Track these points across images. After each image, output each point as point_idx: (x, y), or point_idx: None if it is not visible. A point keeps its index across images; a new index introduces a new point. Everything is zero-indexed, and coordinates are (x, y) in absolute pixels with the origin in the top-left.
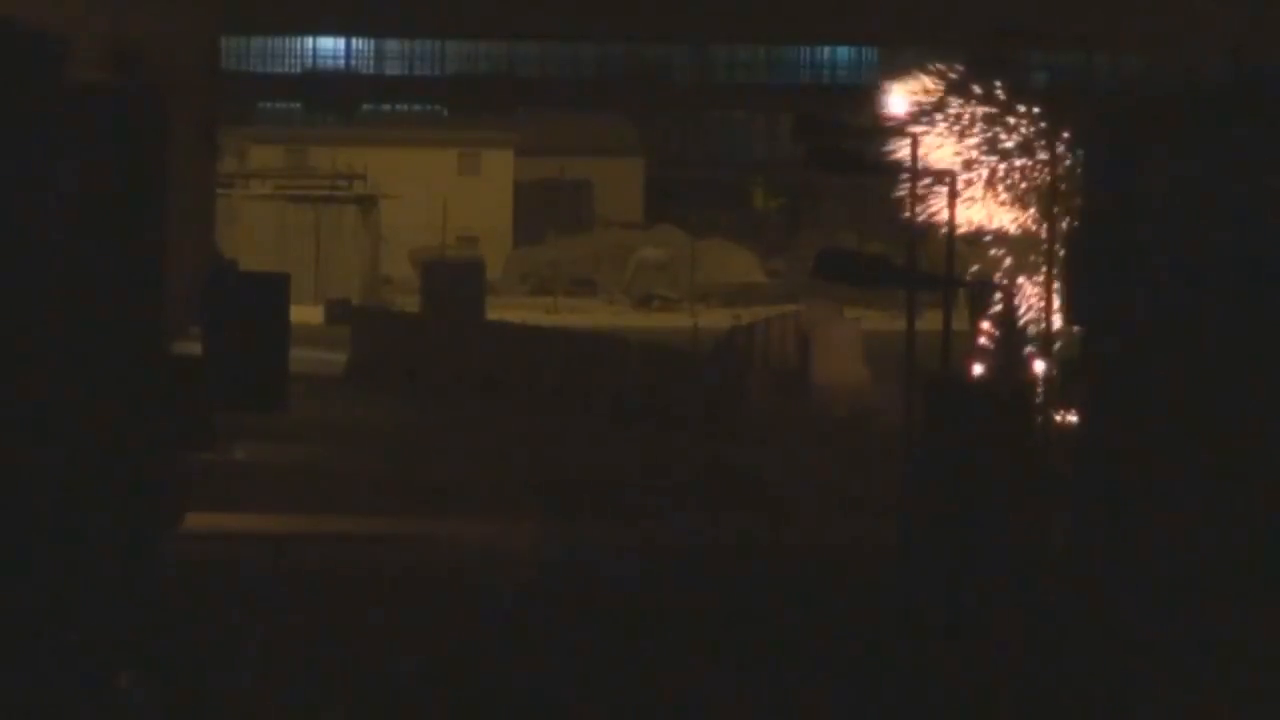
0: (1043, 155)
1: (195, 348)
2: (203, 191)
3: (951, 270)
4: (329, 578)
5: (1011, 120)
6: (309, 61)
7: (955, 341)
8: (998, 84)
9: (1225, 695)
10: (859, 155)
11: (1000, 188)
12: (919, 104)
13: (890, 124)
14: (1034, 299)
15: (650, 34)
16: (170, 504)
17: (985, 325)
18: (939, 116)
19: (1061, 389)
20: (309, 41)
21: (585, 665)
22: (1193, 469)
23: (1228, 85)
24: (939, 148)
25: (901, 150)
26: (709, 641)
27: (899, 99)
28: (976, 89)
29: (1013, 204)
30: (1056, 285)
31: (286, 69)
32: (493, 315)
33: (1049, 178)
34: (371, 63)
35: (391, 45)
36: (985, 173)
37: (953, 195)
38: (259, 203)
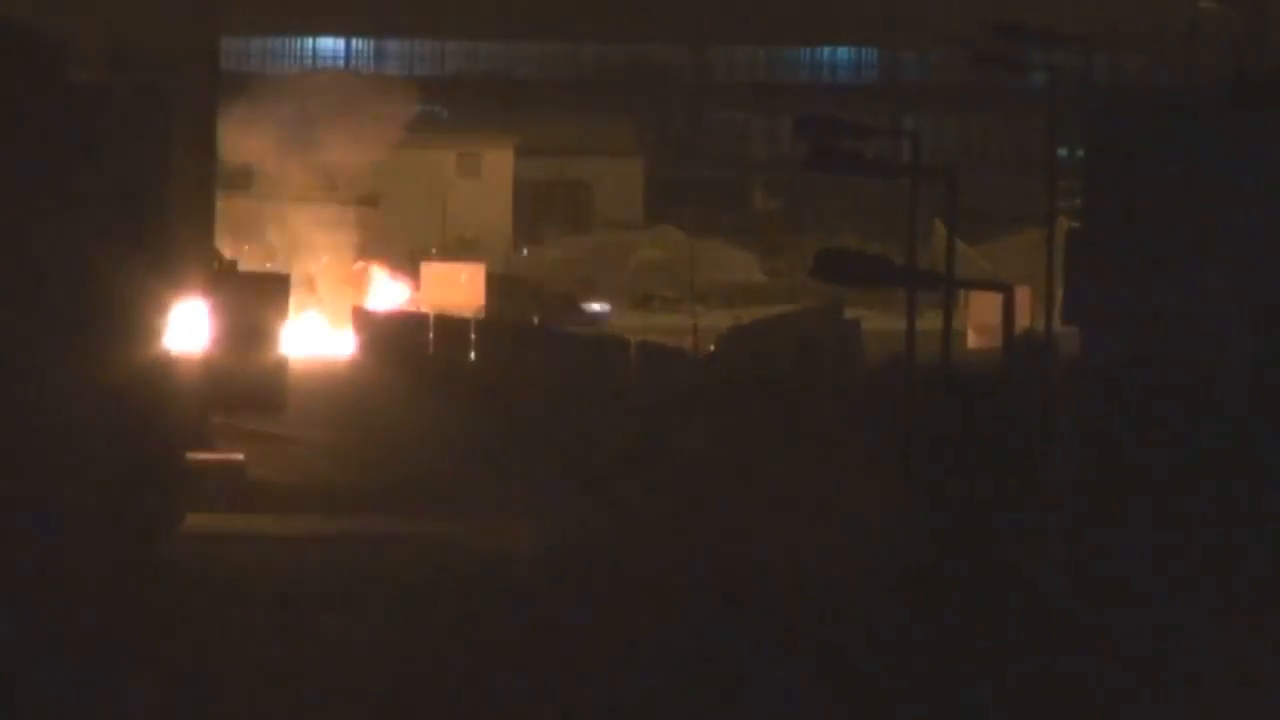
0: None
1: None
2: (202, 191)
3: (952, 270)
4: (329, 578)
5: None
6: (309, 61)
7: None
8: None
9: (1220, 697)
10: (858, 155)
11: None
12: None
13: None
14: None
15: (650, 34)
16: (170, 504)
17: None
18: None
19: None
20: (309, 41)
21: (581, 666)
22: (1186, 472)
23: (1228, 85)
24: None
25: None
26: (708, 642)
27: None
28: None
29: None
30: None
31: (286, 69)
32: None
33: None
34: (372, 63)
35: (391, 45)
36: None
37: (952, 193)
38: (259, 203)
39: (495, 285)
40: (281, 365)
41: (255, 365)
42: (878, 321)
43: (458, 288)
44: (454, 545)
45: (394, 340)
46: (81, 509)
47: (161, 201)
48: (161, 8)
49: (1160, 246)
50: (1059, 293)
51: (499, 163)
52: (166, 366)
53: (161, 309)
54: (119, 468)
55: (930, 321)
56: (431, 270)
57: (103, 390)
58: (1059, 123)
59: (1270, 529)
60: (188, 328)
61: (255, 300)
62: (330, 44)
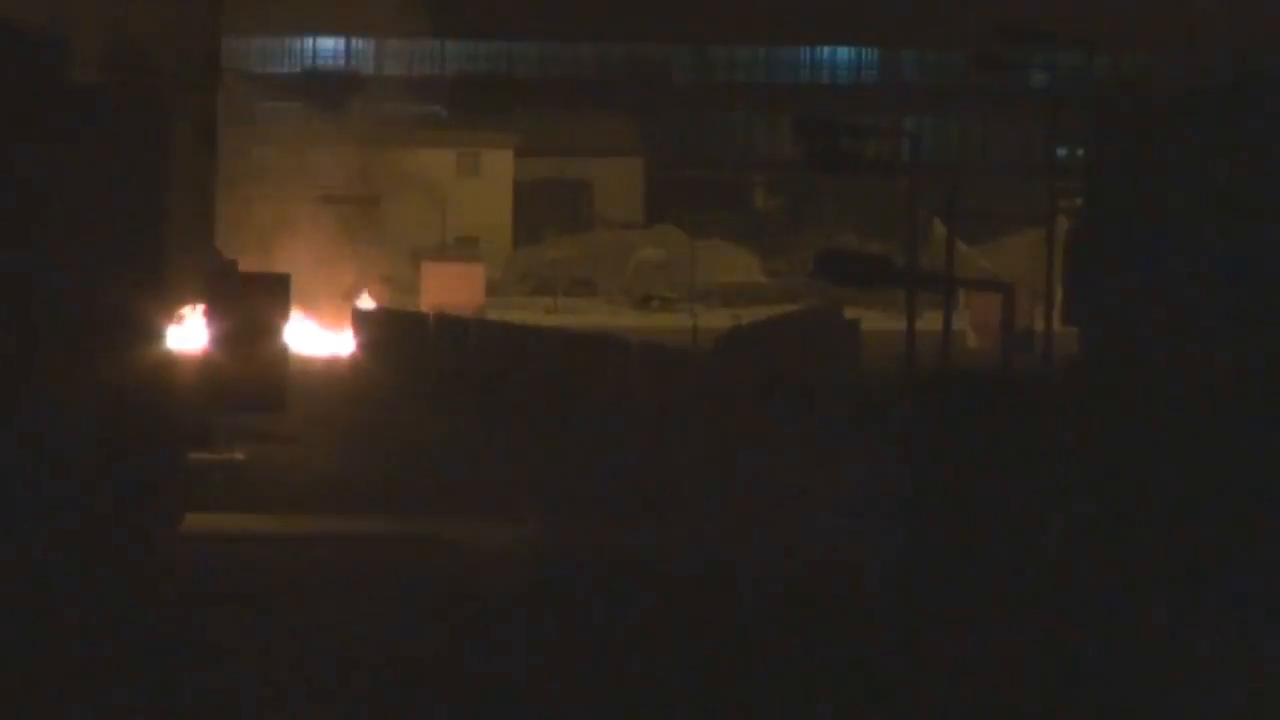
0: None
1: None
2: (202, 192)
3: (952, 270)
4: (328, 578)
5: None
6: (309, 61)
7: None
8: None
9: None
10: (858, 155)
11: None
12: None
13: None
14: None
15: (650, 34)
16: (170, 504)
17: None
18: None
19: None
20: (309, 41)
21: (579, 669)
22: (1184, 468)
23: (1228, 86)
24: None
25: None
26: (707, 643)
27: None
28: None
29: None
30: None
31: (286, 69)
32: (493, 315)
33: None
34: (372, 63)
35: (392, 45)
36: None
37: (952, 193)
38: (259, 203)
39: None
40: (282, 365)
41: (255, 365)
42: (878, 321)
43: (458, 287)
44: (454, 545)
45: (393, 340)
46: (82, 509)
47: (162, 202)
48: (161, 8)
49: (1160, 246)
50: (1059, 292)
51: (499, 163)
52: (167, 366)
53: (162, 309)
54: (119, 468)
55: (930, 321)
56: (431, 270)
57: (103, 390)
58: (1059, 123)
59: (1270, 526)
60: (188, 327)
61: (255, 300)
62: (330, 44)
